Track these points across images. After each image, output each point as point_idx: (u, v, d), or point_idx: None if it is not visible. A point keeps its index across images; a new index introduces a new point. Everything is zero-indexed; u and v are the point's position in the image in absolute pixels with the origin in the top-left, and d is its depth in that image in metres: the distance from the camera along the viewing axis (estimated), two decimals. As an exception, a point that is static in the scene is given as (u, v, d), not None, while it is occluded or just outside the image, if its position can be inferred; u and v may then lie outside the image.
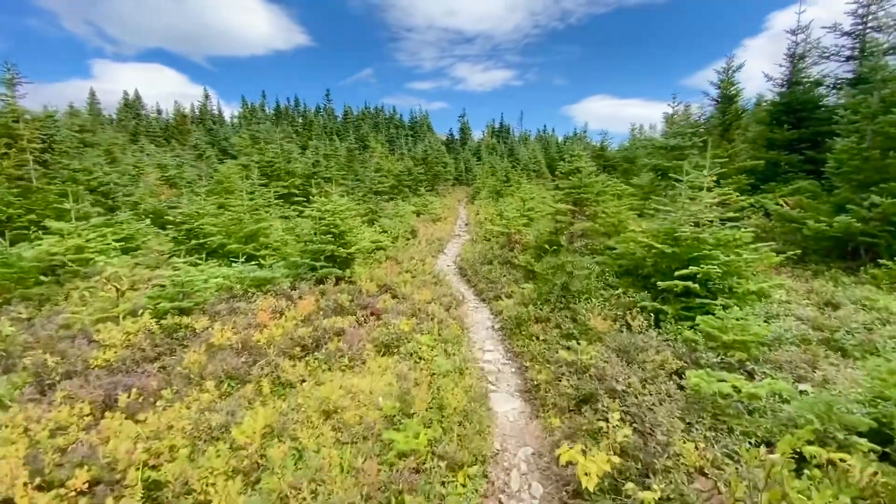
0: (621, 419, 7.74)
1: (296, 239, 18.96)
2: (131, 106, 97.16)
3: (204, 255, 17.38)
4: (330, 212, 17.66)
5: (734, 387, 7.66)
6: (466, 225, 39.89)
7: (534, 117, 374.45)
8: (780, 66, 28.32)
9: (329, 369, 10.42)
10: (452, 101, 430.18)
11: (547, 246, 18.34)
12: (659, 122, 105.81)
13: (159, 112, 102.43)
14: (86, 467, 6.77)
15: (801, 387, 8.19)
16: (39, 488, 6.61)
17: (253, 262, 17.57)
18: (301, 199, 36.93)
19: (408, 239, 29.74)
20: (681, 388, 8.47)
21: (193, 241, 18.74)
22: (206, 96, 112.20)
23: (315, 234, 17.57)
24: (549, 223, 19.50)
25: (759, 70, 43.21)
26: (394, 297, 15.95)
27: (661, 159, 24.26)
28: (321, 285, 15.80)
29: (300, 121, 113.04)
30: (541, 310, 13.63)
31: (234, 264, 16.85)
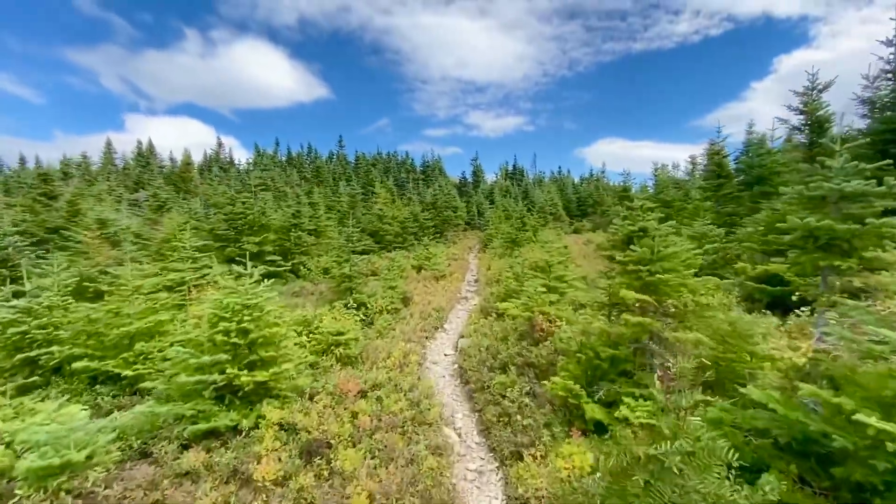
0: None
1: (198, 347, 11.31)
2: (143, 155, 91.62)
3: (47, 377, 9.94)
4: (233, 308, 10.07)
5: None
6: (476, 282, 32.16)
7: (547, 160, 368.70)
8: (867, 86, 21.09)
9: None
10: (466, 147, 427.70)
11: (600, 362, 10.53)
12: (682, 162, 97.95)
13: (172, 161, 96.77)
14: None
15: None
16: None
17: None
18: (277, 258, 29.55)
19: (397, 310, 22.07)
20: None
21: (22, 355, 11.15)
22: (220, 144, 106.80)
23: (208, 345, 10.00)
24: (596, 316, 11.65)
25: (767, 112, 35.64)
26: (323, 475, 8.21)
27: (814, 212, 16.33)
28: (186, 451, 8.15)
29: (309, 167, 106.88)
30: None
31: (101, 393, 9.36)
